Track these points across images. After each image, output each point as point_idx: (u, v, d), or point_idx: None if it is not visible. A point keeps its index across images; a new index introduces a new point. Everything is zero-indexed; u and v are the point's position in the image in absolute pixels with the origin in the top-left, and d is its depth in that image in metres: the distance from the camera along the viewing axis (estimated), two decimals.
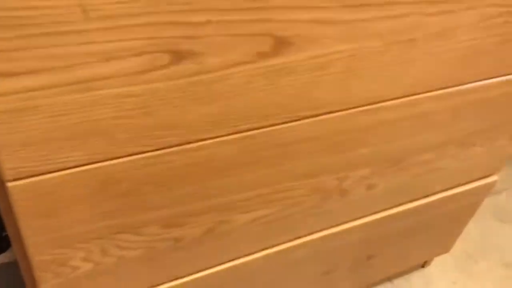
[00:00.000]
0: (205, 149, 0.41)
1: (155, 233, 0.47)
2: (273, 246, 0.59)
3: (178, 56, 0.33)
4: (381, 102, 0.50)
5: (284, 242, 0.60)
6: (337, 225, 0.63)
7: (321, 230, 0.62)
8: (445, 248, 0.89)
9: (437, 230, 0.80)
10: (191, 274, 0.54)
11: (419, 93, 0.52)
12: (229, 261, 0.56)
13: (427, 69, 0.50)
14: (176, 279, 0.53)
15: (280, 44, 0.37)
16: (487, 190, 0.76)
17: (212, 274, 0.56)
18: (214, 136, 0.41)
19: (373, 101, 0.49)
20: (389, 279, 0.95)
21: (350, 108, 0.48)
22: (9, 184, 0.35)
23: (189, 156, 0.41)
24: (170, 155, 0.40)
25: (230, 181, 0.46)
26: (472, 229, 1.11)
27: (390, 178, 0.61)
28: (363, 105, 0.48)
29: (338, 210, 0.61)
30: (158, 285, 0.52)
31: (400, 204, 0.67)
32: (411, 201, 0.69)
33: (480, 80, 0.56)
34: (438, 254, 0.91)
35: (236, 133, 0.42)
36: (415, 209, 0.69)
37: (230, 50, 0.35)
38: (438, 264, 1.01)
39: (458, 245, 1.05)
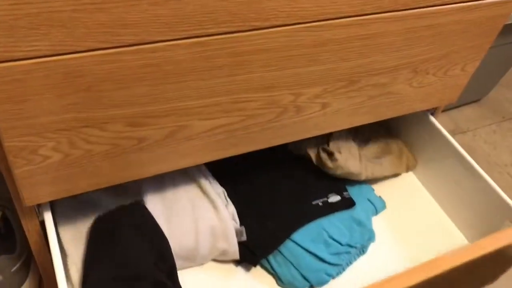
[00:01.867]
0: (159, 51, 0.46)
1: (119, 131, 0.52)
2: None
3: None
4: (331, 20, 0.54)
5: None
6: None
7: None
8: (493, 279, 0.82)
9: (493, 269, 0.77)
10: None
11: (370, 13, 0.56)
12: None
13: None
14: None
15: None
16: None
17: None
18: (167, 38, 0.45)
19: (323, 18, 0.53)
20: None
21: (300, 23, 0.52)
22: None
23: (144, 57, 0.45)
24: (127, 54, 0.44)
25: (186, 86, 0.51)
26: None
27: (344, 98, 0.66)
28: (313, 21, 0.52)
29: (294, 126, 0.66)
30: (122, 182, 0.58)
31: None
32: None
33: (432, 6, 0.60)
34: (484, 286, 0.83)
35: (189, 37, 0.46)
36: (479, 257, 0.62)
37: None
38: None
39: None
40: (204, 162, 0.63)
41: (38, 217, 0.60)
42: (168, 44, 0.46)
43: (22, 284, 0.76)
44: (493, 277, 0.84)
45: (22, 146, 0.47)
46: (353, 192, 0.81)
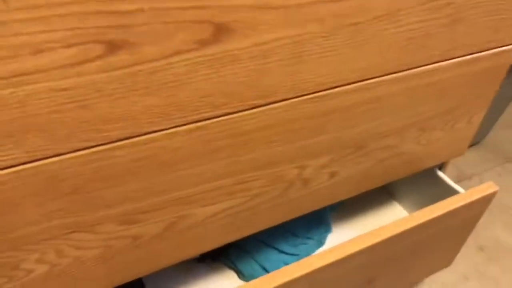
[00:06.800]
0: (154, 142, 0.41)
1: (112, 231, 0.46)
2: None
3: (112, 46, 0.33)
4: (335, 88, 0.50)
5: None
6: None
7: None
8: (447, 262, 0.88)
9: (440, 245, 0.79)
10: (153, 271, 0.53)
11: (373, 77, 0.52)
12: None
13: (378, 52, 0.50)
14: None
15: (220, 31, 0.37)
16: (487, 201, 0.74)
17: None
18: (162, 128, 0.41)
19: (325, 87, 0.49)
20: None
21: (302, 95, 0.48)
22: None
23: (138, 150, 0.41)
24: (116, 150, 0.39)
25: (185, 174, 0.46)
26: None
27: (352, 165, 0.62)
28: (316, 91, 0.48)
29: (302, 199, 0.61)
30: (119, 284, 0.51)
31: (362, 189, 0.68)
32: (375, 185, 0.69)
33: (433, 63, 0.57)
34: (440, 269, 0.89)
35: (185, 124, 0.42)
36: (417, 226, 0.66)
37: (167, 38, 0.35)
38: None
39: None
40: (207, 250, 0.57)
41: None
42: (163, 134, 0.41)
43: None
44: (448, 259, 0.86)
45: (1, 263, 0.41)
46: None
